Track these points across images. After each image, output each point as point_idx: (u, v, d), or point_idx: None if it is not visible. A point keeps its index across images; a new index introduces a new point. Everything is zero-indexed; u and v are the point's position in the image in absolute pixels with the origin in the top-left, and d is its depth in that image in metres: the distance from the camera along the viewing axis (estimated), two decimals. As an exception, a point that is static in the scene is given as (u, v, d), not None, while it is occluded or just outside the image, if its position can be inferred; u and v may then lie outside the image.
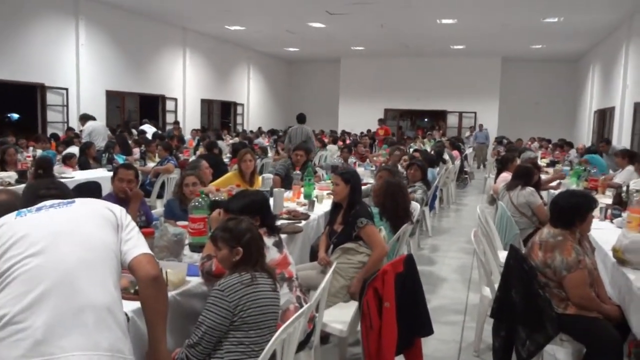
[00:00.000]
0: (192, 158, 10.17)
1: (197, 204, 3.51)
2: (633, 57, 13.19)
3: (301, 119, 11.83)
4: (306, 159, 6.66)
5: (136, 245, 2.00)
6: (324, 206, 5.28)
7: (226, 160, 9.55)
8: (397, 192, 4.62)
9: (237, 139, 13.98)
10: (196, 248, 3.37)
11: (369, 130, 19.61)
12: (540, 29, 15.13)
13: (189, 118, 17.83)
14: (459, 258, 6.77)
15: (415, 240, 6.06)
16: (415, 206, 5.13)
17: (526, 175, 5.70)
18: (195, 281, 2.82)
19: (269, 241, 2.90)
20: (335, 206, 4.13)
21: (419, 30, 16.25)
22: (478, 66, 21.22)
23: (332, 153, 13.72)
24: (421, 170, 6.55)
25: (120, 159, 8.66)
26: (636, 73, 12.82)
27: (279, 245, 2.98)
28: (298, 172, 6.08)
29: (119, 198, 4.09)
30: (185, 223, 3.57)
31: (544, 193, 6.90)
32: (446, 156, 11.61)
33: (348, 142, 14.73)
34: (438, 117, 23.39)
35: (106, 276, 1.84)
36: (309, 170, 5.80)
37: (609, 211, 5.00)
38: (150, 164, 8.81)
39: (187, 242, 3.42)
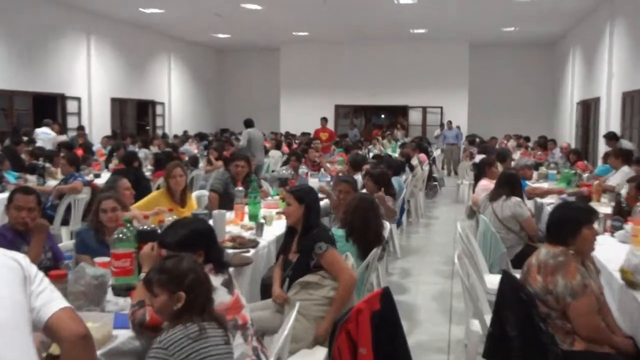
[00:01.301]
0: (105, 173, 9.89)
1: (121, 235, 3.38)
2: (618, 40, 13.75)
3: (250, 123, 12.09)
4: (248, 171, 6.56)
5: (52, 298, 1.95)
6: (275, 229, 5.24)
7: (147, 173, 9.34)
8: (368, 211, 4.66)
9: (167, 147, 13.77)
10: (122, 291, 3.25)
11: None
12: (511, 9, 15.62)
13: (96, 122, 17.39)
14: (435, 283, 6.84)
15: (383, 264, 6.06)
16: (385, 226, 5.13)
17: (510, 183, 5.82)
18: (124, 335, 2.71)
19: (216, 281, 2.81)
20: (290, 231, 4.10)
21: (373, 12, 16.46)
22: (443, 53, 21.67)
23: (275, 161, 13.68)
24: (375, 182, 6.52)
25: (11, 178, 8.31)
26: (623, 58, 13.36)
27: (229, 284, 2.89)
28: (240, 188, 5.99)
29: (17, 232, 3.90)
30: (105, 259, 3.44)
31: (529, 203, 7.05)
32: (415, 161, 11.77)
33: (295, 147, 14.72)
34: (398, 114, 23.76)
35: (25, 340, 1.81)
36: (254, 185, 5.73)
37: (608, 222, 5.14)
38: (52, 182, 8.50)
39: (111, 283, 3.28)
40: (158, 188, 7.05)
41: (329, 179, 8.38)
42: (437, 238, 9.32)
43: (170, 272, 2.44)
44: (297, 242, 3.93)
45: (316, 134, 17.04)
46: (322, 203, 5.03)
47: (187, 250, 2.71)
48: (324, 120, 17.99)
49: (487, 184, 6.95)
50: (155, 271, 2.48)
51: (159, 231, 3.47)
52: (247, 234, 4.95)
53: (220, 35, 21.41)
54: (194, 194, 6.16)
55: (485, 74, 22.58)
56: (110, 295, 3.23)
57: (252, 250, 4.47)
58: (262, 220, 5.28)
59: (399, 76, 22.02)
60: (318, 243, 3.75)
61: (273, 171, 11.19)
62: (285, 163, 10.26)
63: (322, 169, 9.91)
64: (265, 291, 4.23)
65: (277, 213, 5.65)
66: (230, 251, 4.31)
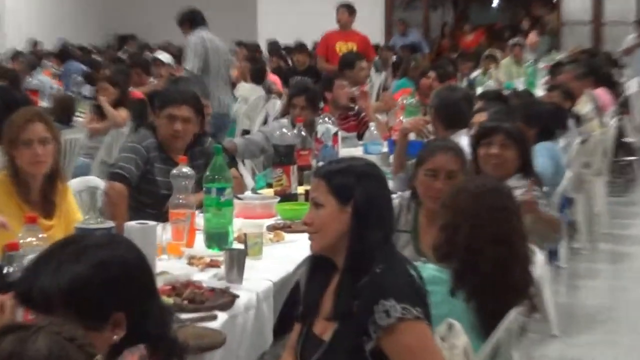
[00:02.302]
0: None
1: None
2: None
3: (196, 19, 6.21)
4: (200, 131, 3.61)
5: None
6: (271, 264, 2.67)
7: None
8: (503, 222, 2.14)
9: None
10: None
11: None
12: None
13: None
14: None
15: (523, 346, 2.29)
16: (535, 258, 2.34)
17: None
18: None
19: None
20: (316, 266, 1.99)
21: None
22: None
23: (252, 106, 7.49)
24: (519, 149, 3.17)
25: None
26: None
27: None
28: (185, 169, 2.89)
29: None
30: None
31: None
32: (586, 106, 5.98)
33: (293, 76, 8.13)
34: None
35: None
36: (217, 164, 2.84)
37: None
38: None
39: None
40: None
41: (384, 147, 4.48)
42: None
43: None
44: (336, 292, 1.86)
45: (325, 48, 7.79)
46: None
47: (84, 314, 1.29)
48: (346, 10, 7.78)
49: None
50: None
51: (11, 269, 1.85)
52: (207, 278, 2.45)
53: None
54: (73, 185, 3.27)
55: None
56: None
57: (221, 317, 2.20)
58: (238, 245, 2.68)
59: None
60: (383, 300, 1.73)
61: (247, 133, 6.25)
62: (284, 113, 5.11)
63: (369, 125, 4.90)
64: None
65: (276, 229, 3.02)
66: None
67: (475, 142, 3.20)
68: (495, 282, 2.02)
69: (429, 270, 2.06)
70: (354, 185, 1.83)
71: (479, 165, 3.11)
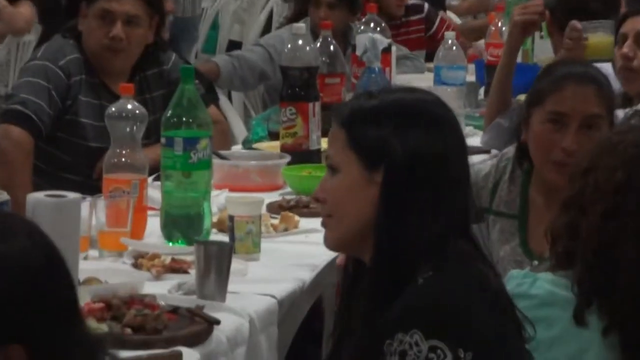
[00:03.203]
0: None
1: None
2: None
3: None
4: (153, 44, 2.89)
5: None
6: (271, 269, 2.10)
7: None
8: None
9: None
10: None
11: None
12: None
13: None
14: None
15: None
16: None
17: None
18: None
19: None
20: (354, 269, 1.53)
21: None
22: None
23: (247, 2, 6.16)
24: None
25: None
26: None
27: None
28: (130, 106, 2.34)
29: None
30: None
31: None
32: None
33: None
34: None
35: None
36: (189, 96, 2.24)
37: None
38: None
39: None
40: None
41: (469, 75, 3.57)
42: None
43: None
44: (371, 294, 1.38)
45: None
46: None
47: None
48: None
49: None
50: None
51: None
52: (167, 290, 1.90)
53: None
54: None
55: None
56: None
57: (189, 357, 1.68)
58: (219, 238, 2.19)
59: None
60: (402, 334, 1.22)
61: (238, 47, 5.16)
62: (299, 14, 3.90)
63: (444, 37, 3.62)
64: None
65: (283, 209, 2.39)
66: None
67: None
68: None
69: (543, 283, 1.51)
70: (388, 137, 1.29)
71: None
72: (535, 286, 1.44)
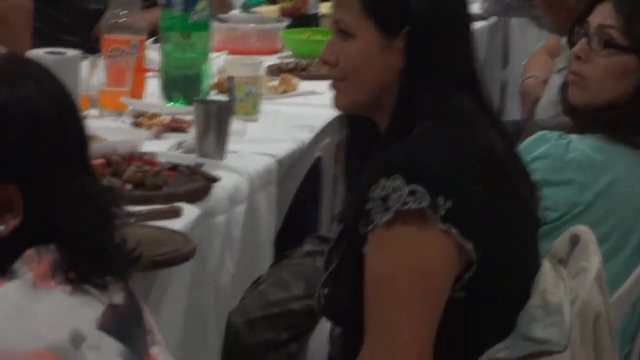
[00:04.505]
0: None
1: None
2: None
3: None
4: None
5: None
6: (270, 130, 2.02)
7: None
8: None
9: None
10: None
11: None
12: None
13: None
14: None
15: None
16: None
17: None
18: None
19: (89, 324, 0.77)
20: (356, 129, 1.45)
21: None
22: None
23: None
24: None
25: None
26: None
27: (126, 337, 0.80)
28: None
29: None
30: None
31: None
32: None
33: None
34: None
35: None
36: None
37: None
38: None
39: None
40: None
41: None
42: None
43: None
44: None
45: None
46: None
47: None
48: None
49: None
50: None
51: None
52: (167, 149, 1.85)
53: None
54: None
55: None
56: None
57: (189, 212, 1.59)
58: (218, 98, 2.12)
59: None
60: (385, 179, 1.16)
61: None
62: None
63: None
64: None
65: (283, 72, 2.34)
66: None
67: None
68: None
69: (579, 145, 1.45)
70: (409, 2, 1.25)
71: None
72: (573, 151, 1.41)
